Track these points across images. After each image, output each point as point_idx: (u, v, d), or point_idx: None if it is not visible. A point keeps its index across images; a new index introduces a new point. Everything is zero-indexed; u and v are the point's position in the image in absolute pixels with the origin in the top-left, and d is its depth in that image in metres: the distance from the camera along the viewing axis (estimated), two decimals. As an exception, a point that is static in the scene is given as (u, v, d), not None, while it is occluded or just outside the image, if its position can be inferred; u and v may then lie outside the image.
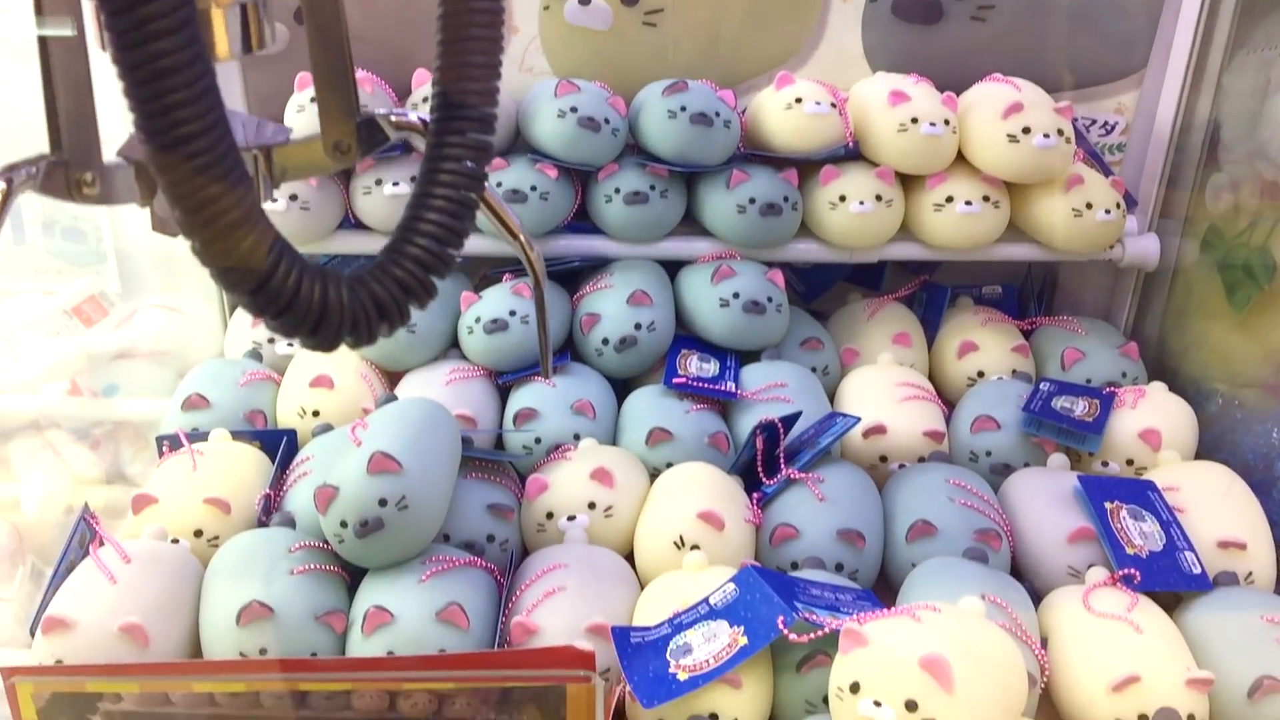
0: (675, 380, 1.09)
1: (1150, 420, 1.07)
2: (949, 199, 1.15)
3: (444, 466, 0.90)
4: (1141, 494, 0.97)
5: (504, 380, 1.13)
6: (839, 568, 0.93)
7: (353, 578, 0.90)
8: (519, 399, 1.09)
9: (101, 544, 0.88)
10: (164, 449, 1.01)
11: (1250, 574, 0.92)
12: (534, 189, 1.14)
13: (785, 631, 0.78)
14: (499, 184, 1.13)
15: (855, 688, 0.70)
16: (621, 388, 1.15)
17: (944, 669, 0.68)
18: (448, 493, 0.90)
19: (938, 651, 0.69)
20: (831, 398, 1.16)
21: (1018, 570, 0.96)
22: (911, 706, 0.68)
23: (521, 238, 0.63)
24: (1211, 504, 0.97)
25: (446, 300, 1.16)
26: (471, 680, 0.81)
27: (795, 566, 0.93)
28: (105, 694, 0.79)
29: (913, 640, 0.71)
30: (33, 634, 0.82)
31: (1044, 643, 0.87)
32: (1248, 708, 0.81)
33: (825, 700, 0.77)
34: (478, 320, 1.12)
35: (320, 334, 0.44)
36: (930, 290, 1.29)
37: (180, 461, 0.97)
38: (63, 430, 1.34)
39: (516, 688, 0.81)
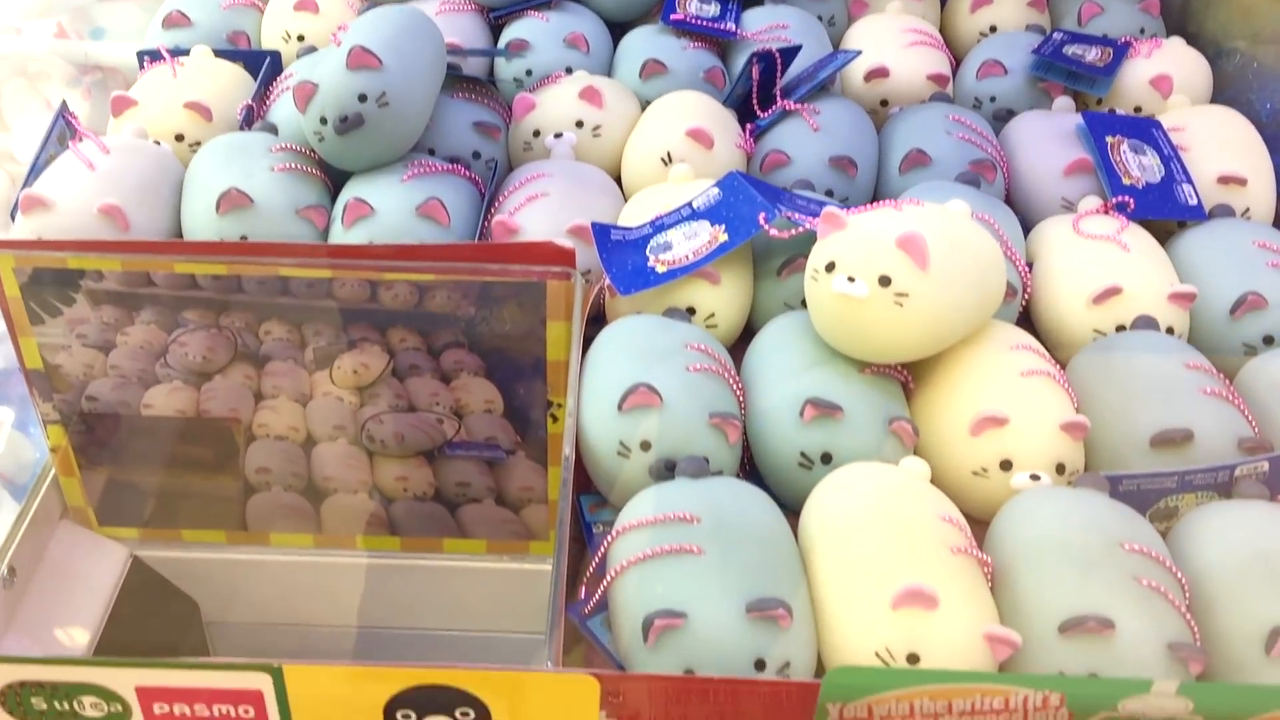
0: (673, 18, 1.05)
1: (1162, 68, 1.03)
2: None
3: (426, 69, 0.87)
4: (1145, 130, 0.94)
5: (497, 15, 1.09)
6: (829, 194, 0.91)
7: (335, 186, 0.89)
8: (511, 31, 1.06)
9: (80, 140, 0.87)
10: (145, 63, 0.99)
11: (1248, 209, 0.91)
12: None
13: (766, 227, 0.78)
14: None
15: (830, 266, 0.70)
16: (618, 32, 1.11)
17: (920, 246, 0.67)
18: (430, 96, 0.88)
19: (915, 230, 0.68)
20: (836, 48, 1.12)
21: (1012, 205, 0.94)
22: (885, 281, 0.68)
23: None
24: (1216, 143, 0.94)
25: (438, -72, 1.11)
26: (452, 272, 0.81)
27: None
28: (87, 271, 0.79)
29: (892, 223, 0.70)
30: (13, 218, 0.82)
31: (1030, 266, 0.86)
32: (1228, 324, 0.81)
33: (804, 304, 0.77)
34: (469, -51, 1.07)
35: None
36: (948, -54, 1.23)
37: (161, 71, 0.95)
38: (53, 79, 1.32)
39: (497, 283, 0.81)
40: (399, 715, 0.52)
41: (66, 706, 0.51)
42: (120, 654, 0.85)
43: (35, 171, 0.85)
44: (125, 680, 0.50)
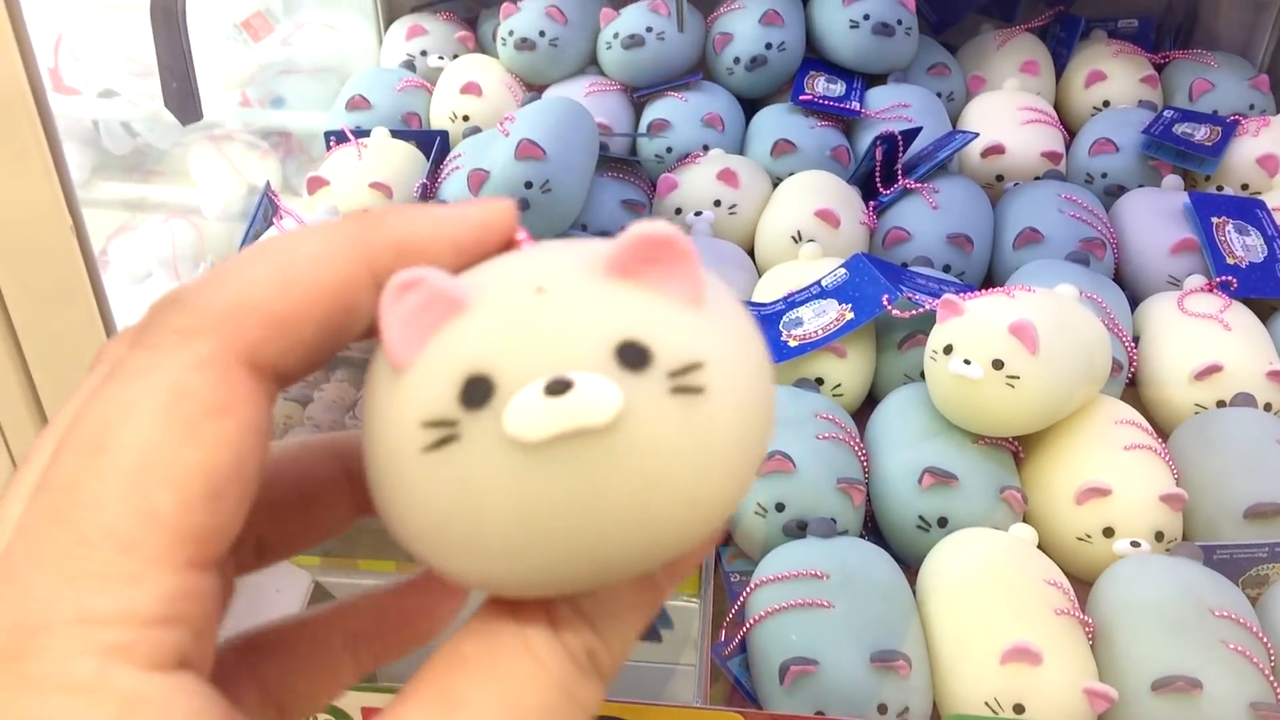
0: (802, 98, 1.14)
1: (1270, 147, 1.08)
2: (1089, -78, 1.15)
3: (583, 157, 0.98)
4: (1250, 211, 1.00)
5: (639, 95, 1.20)
6: (946, 269, 0.99)
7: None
8: (653, 111, 1.16)
9: (282, 217, 0.99)
10: (331, 143, 1.11)
11: (1348, 289, 0.96)
12: (672, -94, 1.17)
13: (889, 308, 0.86)
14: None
15: (948, 349, 0.78)
16: (750, 109, 1.20)
17: (1030, 333, 0.75)
18: (586, 182, 0.98)
19: (1026, 317, 0.76)
20: (954, 124, 1.20)
21: (1120, 280, 1.01)
22: (998, 365, 0.76)
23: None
24: (1319, 223, 1.00)
25: (587, 16, 1.21)
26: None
27: (905, 266, 0.99)
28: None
29: (1005, 310, 0.78)
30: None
31: (1136, 341, 0.93)
32: (1325, 402, 0.87)
33: (921, 375, 0.85)
34: (615, 36, 1.18)
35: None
36: (1064, 22, 1.29)
37: (347, 152, 1.07)
38: (236, 141, 1.46)
39: (644, 351, 0.91)
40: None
41: (304, 721, 0.61)
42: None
43: (243, 248, 0.97)
44: (353, 702, 0.61)
